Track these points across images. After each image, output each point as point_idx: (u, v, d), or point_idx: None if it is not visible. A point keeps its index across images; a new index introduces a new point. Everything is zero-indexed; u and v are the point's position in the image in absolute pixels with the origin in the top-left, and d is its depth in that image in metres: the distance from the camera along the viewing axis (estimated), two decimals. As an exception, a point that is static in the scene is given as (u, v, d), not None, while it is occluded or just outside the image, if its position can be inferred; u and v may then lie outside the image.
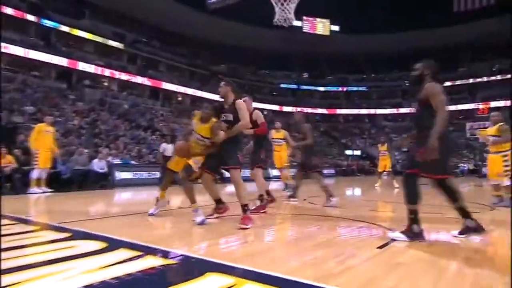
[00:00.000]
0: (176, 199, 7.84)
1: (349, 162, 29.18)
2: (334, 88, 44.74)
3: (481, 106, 35.31)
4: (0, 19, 19.31)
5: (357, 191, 10.89)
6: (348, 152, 35.15)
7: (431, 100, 2.95)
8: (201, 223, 3.64)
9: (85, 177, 9.78)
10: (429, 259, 2.48)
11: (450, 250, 2.80)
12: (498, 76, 36.00)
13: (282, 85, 43.30)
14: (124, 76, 28.60)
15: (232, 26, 36.39)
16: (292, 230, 3.82)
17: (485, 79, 37.07)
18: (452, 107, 37.81)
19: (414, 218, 3.01)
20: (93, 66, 26.43)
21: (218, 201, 4.16)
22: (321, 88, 44.70)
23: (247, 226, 3.48)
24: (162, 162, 11.00)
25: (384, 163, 10.94)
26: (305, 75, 45.78)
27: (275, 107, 40.01)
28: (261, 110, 5.33)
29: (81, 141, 14.14)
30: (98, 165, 10.21)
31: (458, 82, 38.47)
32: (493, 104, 34.99)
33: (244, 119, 3.79)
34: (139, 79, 29.70)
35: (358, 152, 34.88)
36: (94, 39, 28.06)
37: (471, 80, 37.96)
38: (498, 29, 33.83)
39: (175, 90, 32.61)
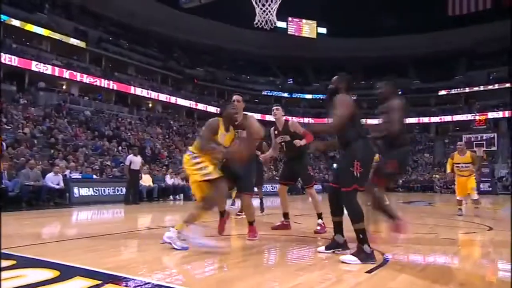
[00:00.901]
0: (144, 218, 7.70)
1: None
2: (322, 96, 45.48)
3: (477, 117, 36.72)
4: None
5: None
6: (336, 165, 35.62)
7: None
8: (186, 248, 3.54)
9: (37, 194, 9.47)
10: (422, 284, 2.52)
11: (444, 274, 2.87)
12: (496, 85, 37.56)
13: (265, 92, 43.69)
14: (86, 79, 28.11)
15: (209, 25, 36.72)
16: (273, 253, 3.81)
17: (481, 88, 38.65)
18: (448, 118, 39.27)
19: (363, 237, 3.11)
20: (49, 66, 25.87)
21: (223, 213, 4.28)
22: (308, 96, 45.36)
23: (256, 238, 4.16)
24: (129, 176, 10.82)
25: None
26: (290, 81, 46.39)
27: (258, 116, 40.25)
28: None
29: (33, 153, 13.71)
30: (53, 180, 9.92)
31: (453, 91, 39.95)
32: (491, 115, 36.44)
33: (256, 131, 4.02)
34: (104, 83, 29.27)
35: (347, 166, 35.37)
36: (52, 36, 27.55)
37: (467, 89, 39.51)
38: (495, 34, 35.64)
39: (146, 95, 32.31)
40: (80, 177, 11.80)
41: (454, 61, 41.19)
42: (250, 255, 3.55)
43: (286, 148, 4.99)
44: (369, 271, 2.78)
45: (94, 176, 12.69)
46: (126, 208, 9.58)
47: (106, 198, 11.26)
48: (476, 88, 38.90)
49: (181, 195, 13.77)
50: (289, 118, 5.43)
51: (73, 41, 28.98)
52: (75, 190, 10.63)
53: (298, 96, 45.32)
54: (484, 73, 39.38)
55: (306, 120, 43.86)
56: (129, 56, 33.35)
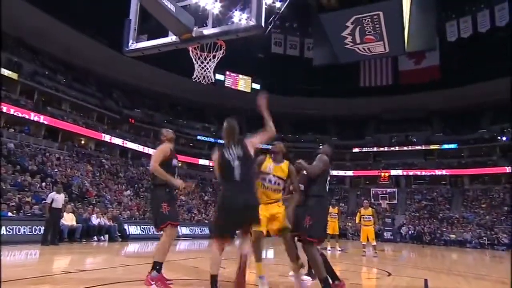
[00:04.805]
0: (61, 261, 6.99)
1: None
2: (253, 145, 46.68)
3: (382, 173, 40.28)
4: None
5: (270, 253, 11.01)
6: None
7: None
8: None
9: None
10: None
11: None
12: (396, 147, 42.23)
13: (200, 137, 43.70)
14: (13, 111, 25.64)
15: (150, 70, 36.42)
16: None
17: (386, 148, 42.96)
18: (360, 172, 42.51)
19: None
20: (-27, 95, 23.30)
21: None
22: (240, 144, 46.24)
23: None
24: (49, 215, 9.80)
25: (333, 225, 11.58)
26: (224, 129, 47.13)
27: (191, 160, 39.88)
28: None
29: None
30: (-41, 216, 8.60)
31: (364, 149, 43.76)
32: (393, 172, 40.23)
33: None
34: (34, 116, 26.93)
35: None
36: (-20, 64, 25.10)
37: (375, 149, 43.56)
38: (396, 105, 40.74)
39: (78, 132, 30.26)
40: (-8, 214, 10.38)
41: (365, 124, 45.59)
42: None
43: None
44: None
45: (10, 214, 11.26)
46: (42, 249, 8.57)
47: (21, 238, 9.96)
48: (382, 149, 43.08)
49: (106, 235, 12.73)
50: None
51: (4, 71, 26.65)
52: (-16, 228, 9.28)
53: (231, 144, 45.93)
54: (387, 136, 44.08)
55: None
56: (65, 92, 31.36)
